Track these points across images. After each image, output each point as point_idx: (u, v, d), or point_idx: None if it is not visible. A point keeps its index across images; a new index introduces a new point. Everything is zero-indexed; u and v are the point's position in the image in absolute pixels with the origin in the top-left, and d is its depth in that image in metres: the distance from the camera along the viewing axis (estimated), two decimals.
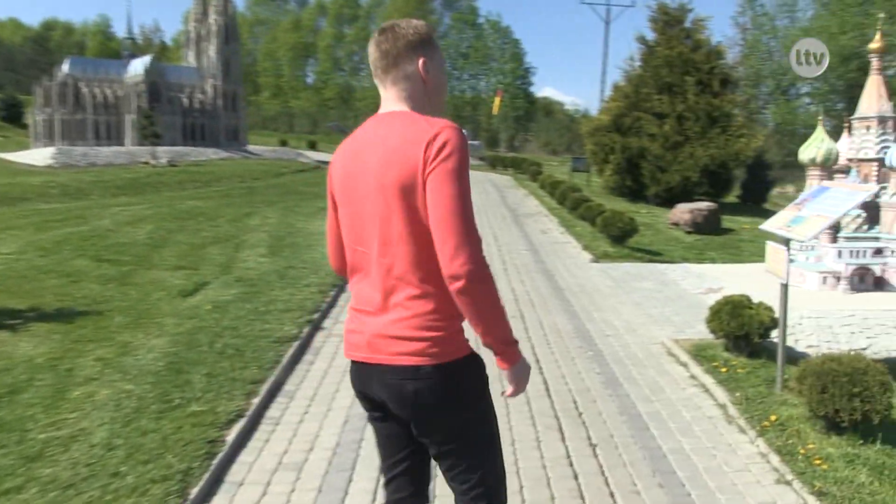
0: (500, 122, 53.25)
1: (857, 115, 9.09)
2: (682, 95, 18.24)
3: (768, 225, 6.28)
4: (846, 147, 9.17)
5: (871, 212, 8.70)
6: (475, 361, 2.14)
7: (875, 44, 9.09)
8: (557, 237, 13.22)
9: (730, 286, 8.98)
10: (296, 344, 6.56)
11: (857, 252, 8.40)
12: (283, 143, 69.58)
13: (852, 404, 4.85)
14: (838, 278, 8.37)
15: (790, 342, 6.71)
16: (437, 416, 2.10)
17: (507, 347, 2.07)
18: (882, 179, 8.90)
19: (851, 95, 38.40)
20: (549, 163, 34.69)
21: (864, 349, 7.05)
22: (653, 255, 11.63)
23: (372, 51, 2.15)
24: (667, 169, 18.12)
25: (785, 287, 5.96)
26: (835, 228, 8.67)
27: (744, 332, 6.42)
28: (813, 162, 8.92)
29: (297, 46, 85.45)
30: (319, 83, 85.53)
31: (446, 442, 2.14)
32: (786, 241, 6.02)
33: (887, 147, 8.92)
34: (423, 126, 2.01)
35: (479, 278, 1.94)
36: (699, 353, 6.72)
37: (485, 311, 1.99)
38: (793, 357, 6.65)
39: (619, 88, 19.61)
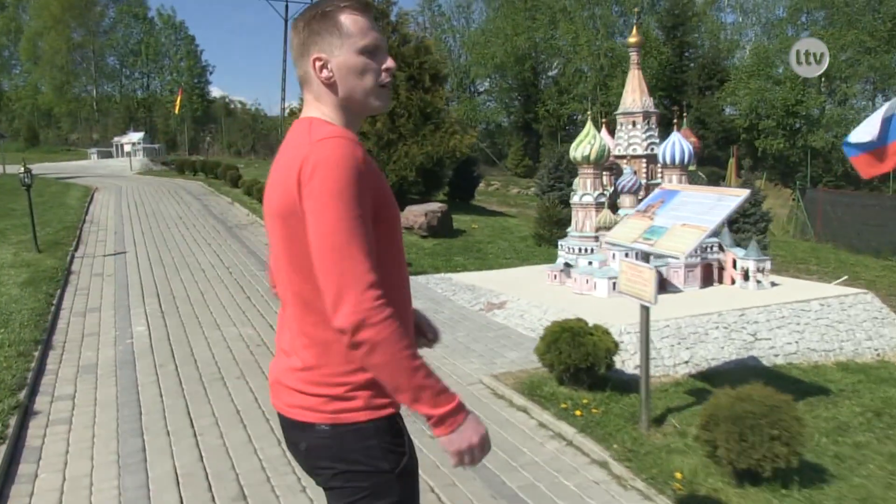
0: (179, 124, 48.88)
1: (621, 110, 8.76)
2: (394, 91, 17.45)
3: (616, 237, 5.33)
4: (613, 143, 8.78)
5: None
6: (388, 427, 1.80)
7: (633, 38, 8.85)
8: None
9: (511, 299, 8.10)
10: (2, 449, 4.21)
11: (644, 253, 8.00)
12: None
13: (774, 450, 4.02)
14: None
15: (617, 364, 5.88)
16: (332, 482, 1.82)
17: (429, 410, 1.69)
18: (652, 175, 8.66)
19: (527, 93, 41.90)
20: (251, 165, 32.04)
21: (686, 362, 6.51)
22: (408, 267, 10.43)
23: None
24: (382, 169, 17.16)
25: (646, 310, 5.03)
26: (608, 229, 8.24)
27: (589, 364, 5.40)
28: (587, 160, 8.40)
29: None
30: None
31: None
32: (646, 257, 5.09)
33: (654, 142, 8.69)
34: (305, 140, 1.73)
35: (371, 331, 1.61)
36: (533, 391, 5.59)
37: (387, 369, 1.66)
38: (625, 383, 5.83)
39: None
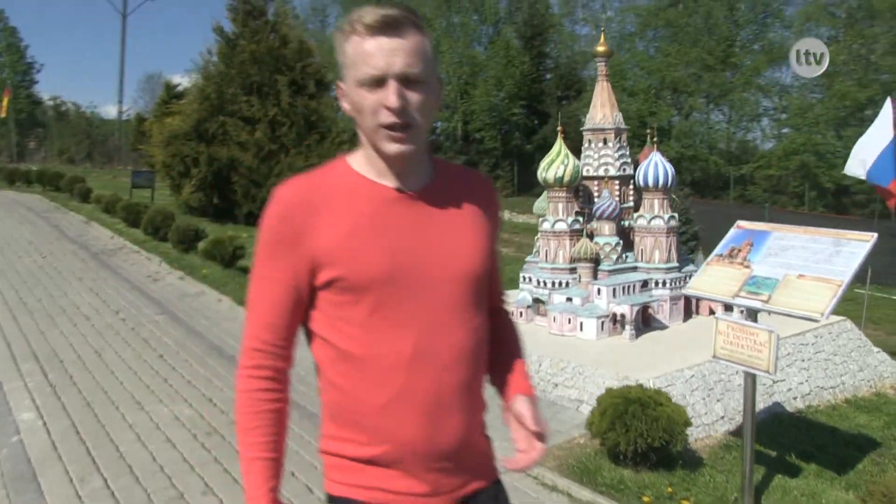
0: (1, 127, 43.31)
1: (590, 126, 7.84)
2: (275, 97, 15.76)
3: (706, 290, 4.35)
4: (580, 163, 7.84)
5: (620, 237, 7.55)
6: None
7: (601, 46, 7.96)
8: (181, 285, 9.60)
9: None
10: None
11: (630, 287, 7.12)
12: None
13: None
14: (616, 321, 6.96)
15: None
16: None
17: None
18: (624, 199, 7.80)
19: None
20: (89, 175, 28.42)
21: (722, 417, 5.66)
22: None
23: None
24: (262, 183, 15.45)
25: (752, 380, 4.09)
26: (595, 261, 7.29)
27: (664, 441, 4.37)
28: (560, 182, 7.40)
29: None
30: None
31: None
32: (754, 315, 4.11)
33: (627, 162, 7.84)
34: None
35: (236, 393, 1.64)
36: (590, 476, 4.50)
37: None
38: (688, 456, 4.86)
39: (199, 89, 16.19)
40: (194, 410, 5.29)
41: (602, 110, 7.77)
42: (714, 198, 35.33)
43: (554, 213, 7.53)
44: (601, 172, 7.74)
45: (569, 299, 7.23)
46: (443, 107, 37.53)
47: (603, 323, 7.03)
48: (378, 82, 1.48)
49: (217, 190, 15.78)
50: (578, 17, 42.69)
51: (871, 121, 8.16)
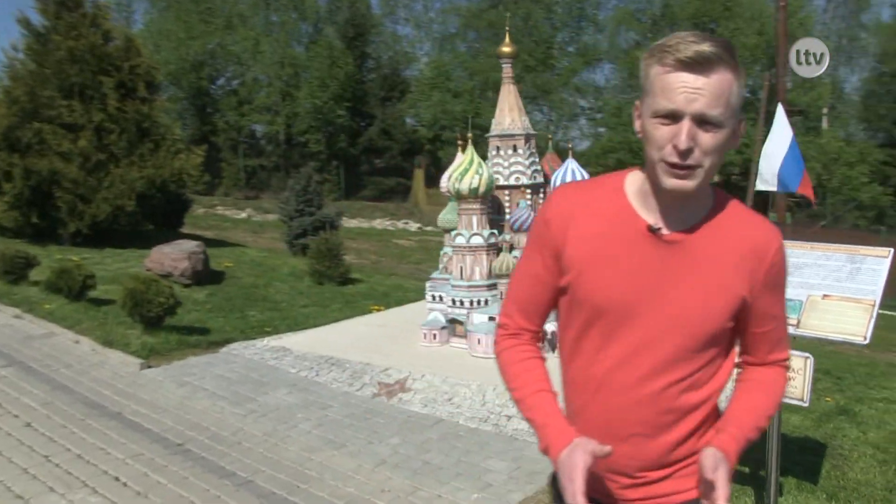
0: None
1: (497, 132, 7.40)
2: (101, 101, 13.94)
3: None
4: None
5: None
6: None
7: (506, 47, 7.54)
8: (22, 326, 8.04)
9: (403, 373, 6.33)
10: None
11: None
12: None
13: None
14: (546, 340, 6.59)
15: None
16: None
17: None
18: (537, 209, 7.44)
19: (202, 103, 38.18)
20: None
21: None
22: (206, 335, 7.89)
23: None
24: (91, 198, 13.64)
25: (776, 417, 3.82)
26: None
27: None
28: (475, 193, 6.89)
29: None
30: None
31: None
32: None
33: (538, 170, 7.49)
34: None
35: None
36: None
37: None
38: None
39: (6, 91, 13.89)
40: (103, 498, 4.23)
41: (510, 114, 7.37)
42: None
43: (468, 227, 7.03)
44: (513, 181, 7.34)
45: (491, 318, 6.76)
46: (263, 109, 35.92)
47: None
48: (673, 117, 1.45)
49: (36, 207, 13.75)
50: (400, 18, 42.61)
51: None
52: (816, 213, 39.05)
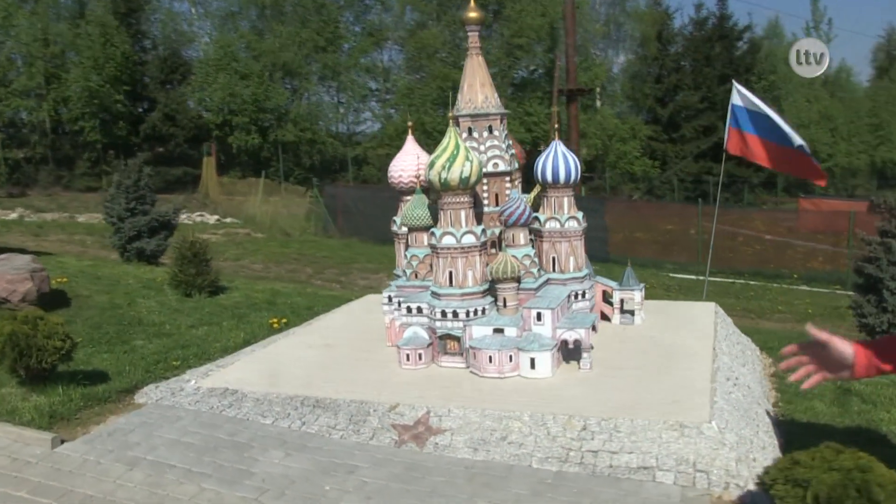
0: None
1: (469, 110, 6.28)
2: None
3: None
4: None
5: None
6: None
7: (472, 12, 6.37)
8: None
9: (418, 408, 5.16)
10: None
11: (563, 306, 5.85)
12: None
13: None
14: (559, 350, 5.68)
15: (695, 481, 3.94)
16: None
17: None
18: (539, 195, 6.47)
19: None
20: None
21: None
22: (107, 382, 6.00)
23: None
24: None
25: None
26: (517, 279, 5.84)
27: None
28: (465, 184, 5.76)
29: None
30: None
31: None
32: None
33: (513, 154, 6.51)
34: None
35: None
36: None
37: None
38: None
39: None
40: None
41: (483, 91, 6.33)
42: (333, 180, 35.34)
43: (455, 224, 5.91)
44: (491, 167, 6.31)
45: (499, 331, 5.74)
46: (24, 93, 31.04)
47: (561, 354, 5.75)
48: None
49: None
50: None
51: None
52: (597, 185, 41.81)
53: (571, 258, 6.38)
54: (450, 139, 5.83)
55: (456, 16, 37.55)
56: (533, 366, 5.56)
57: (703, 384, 5.33)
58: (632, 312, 6.83)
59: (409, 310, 6.14)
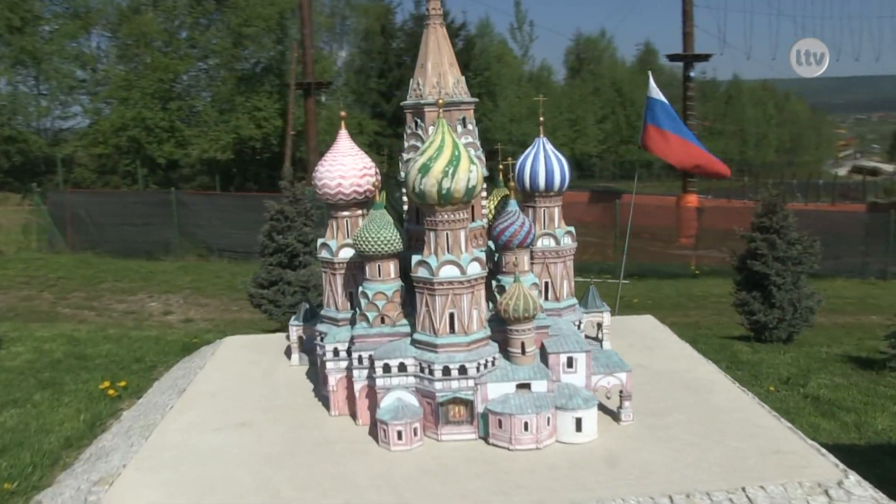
0: None
1: (435, 97, 4.73)
2: None
3: None
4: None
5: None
6: None
7: None
8: None
9: None
10: None
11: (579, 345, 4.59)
12: None
13: None
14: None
15: None
16: None
17: None
18: (502, 205, 5.04)
19: None
20: None
21: None
22: None
23: None
24: None
25: None
26: (530, 318, 4.44)
27: None
28: (469, 195, 4.24)
29: None
30: None
31: None
32: None
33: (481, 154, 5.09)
34: None
35: None
36: None
37: None
38: None
39: None
40: None
41: (453, 72, 4.85)
42: (39, 184, 30.18)
43: (454, 249, 4.40)
44: None
45: (522, 386, 4.39)
46: None
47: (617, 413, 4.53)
48: None
49: None
50: None
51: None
52: None
53: (565, 282, 5.17)
54: (443, 136, 4.31)
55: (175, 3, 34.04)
56: (579, 427, 4.29)
57: (767, 420, 4.51)
58: (598, 338, 5.76)
59: (386, 369, 4.51)
